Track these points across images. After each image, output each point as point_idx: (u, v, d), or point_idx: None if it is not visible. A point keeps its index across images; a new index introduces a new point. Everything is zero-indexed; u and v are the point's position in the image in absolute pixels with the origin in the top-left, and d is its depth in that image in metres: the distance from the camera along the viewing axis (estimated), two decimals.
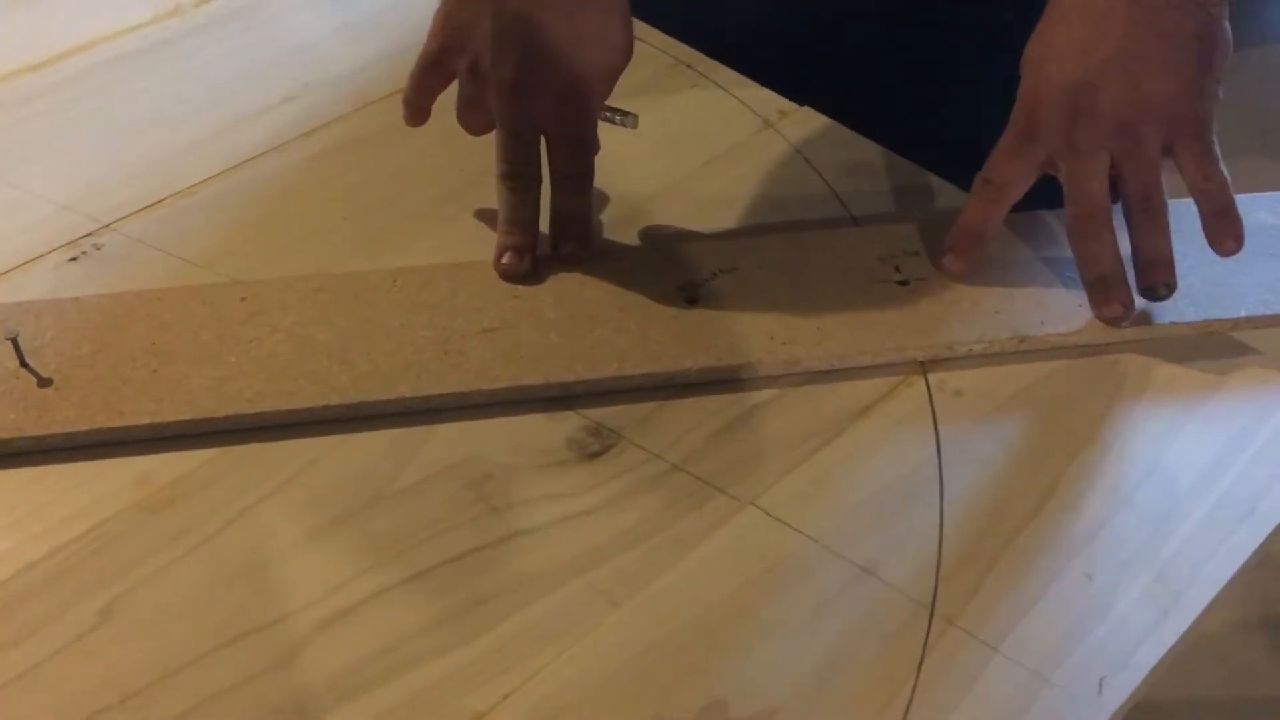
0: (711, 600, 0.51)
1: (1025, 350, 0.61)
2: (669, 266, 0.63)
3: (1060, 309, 0.62)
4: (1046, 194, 0.64)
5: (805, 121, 0.75)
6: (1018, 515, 0.54)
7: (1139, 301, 0.61)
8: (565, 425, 0.57)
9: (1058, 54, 0.61)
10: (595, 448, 0.56)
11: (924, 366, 0.60)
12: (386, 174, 0.69)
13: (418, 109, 0.65)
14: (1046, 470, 0.56)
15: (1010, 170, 0.63)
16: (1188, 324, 0.62)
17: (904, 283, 0.63)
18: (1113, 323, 0.61)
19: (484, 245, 0.63)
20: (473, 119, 0.65)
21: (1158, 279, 0.61)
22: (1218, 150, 0.61)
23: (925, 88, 0.78)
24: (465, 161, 0.69)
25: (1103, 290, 0.61)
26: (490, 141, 0.64)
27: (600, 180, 0.66)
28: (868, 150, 0.73)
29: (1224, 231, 0.61)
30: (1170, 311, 0.62)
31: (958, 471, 0.56)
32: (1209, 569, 0.53)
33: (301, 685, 0.47)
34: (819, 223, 0.68)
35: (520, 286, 0.62)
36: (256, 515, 0.53)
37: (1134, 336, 0.62)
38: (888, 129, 0.73)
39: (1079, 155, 0.61)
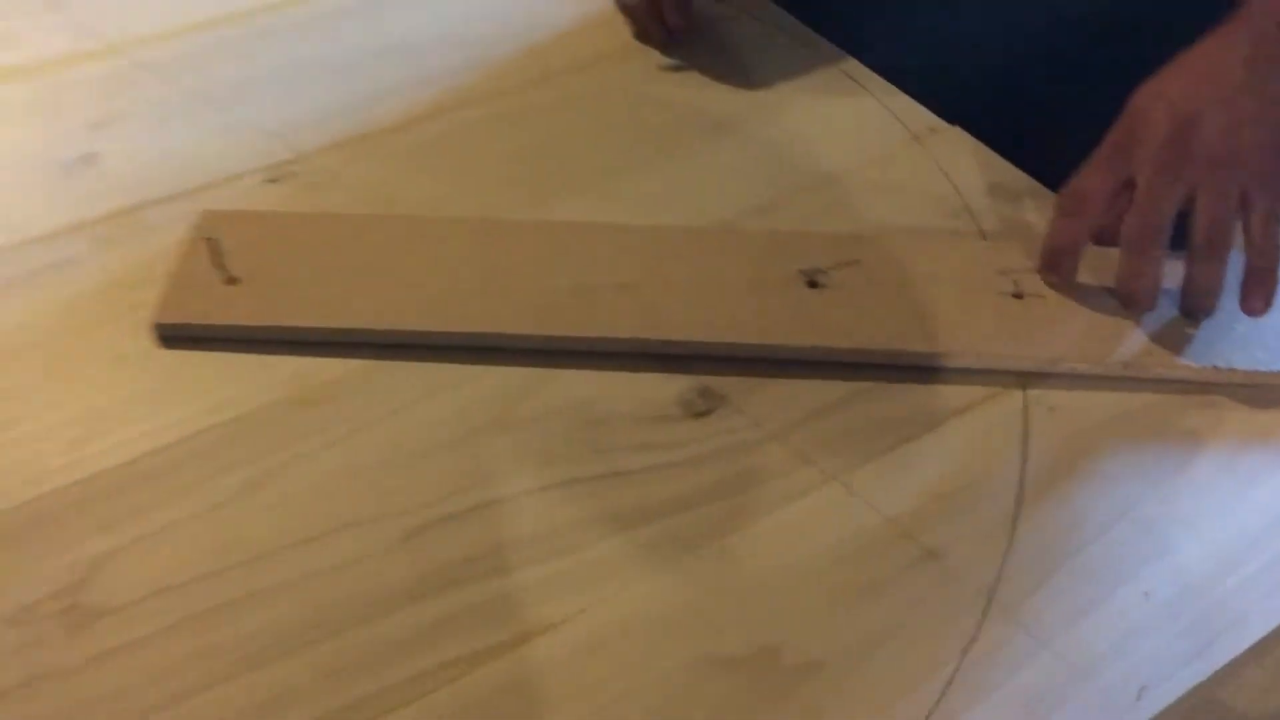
0: (779, 560, 0.55)
1: (1128, 377, 0.63)
2: (796, 252, 0.67)
3: (1172, 341, 0.64)
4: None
5: (954, 140, 0.78)
6: (1089, 528, 0.57)
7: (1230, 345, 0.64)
8: (677, 384, 0.62)
9: (1168, 93, 0.64)
10: (701, 408, 0.61)
11: (1024, 380, 0.63)
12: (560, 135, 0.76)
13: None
14: (1125, 493, 0.59)
15: (1093, 182, 0.66)
16: None
17: (1019, 296, 0.66)
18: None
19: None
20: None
21: (1200, 306, 0.66)
22: None
23: (1074, 120, 0.80)
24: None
25: (1127, 308, 0.66)
26: None
27: (744, 168, 0.70)
28: (1012, 174, 0.76)
29: (1258, 291, 0.64)
30: None
31: (1039, 481, 0.59)
32: (1274, 602, 0.55)
33: (402, 575, 0.53)
34: (947, 232, 0.71)
35: (654, 246, 0.67)
36: (394, 422, 0.59)
37: (1242, 380, 0.63)
38: (1037, 157, 0.76)
39: (1162, 174, 0.64)
